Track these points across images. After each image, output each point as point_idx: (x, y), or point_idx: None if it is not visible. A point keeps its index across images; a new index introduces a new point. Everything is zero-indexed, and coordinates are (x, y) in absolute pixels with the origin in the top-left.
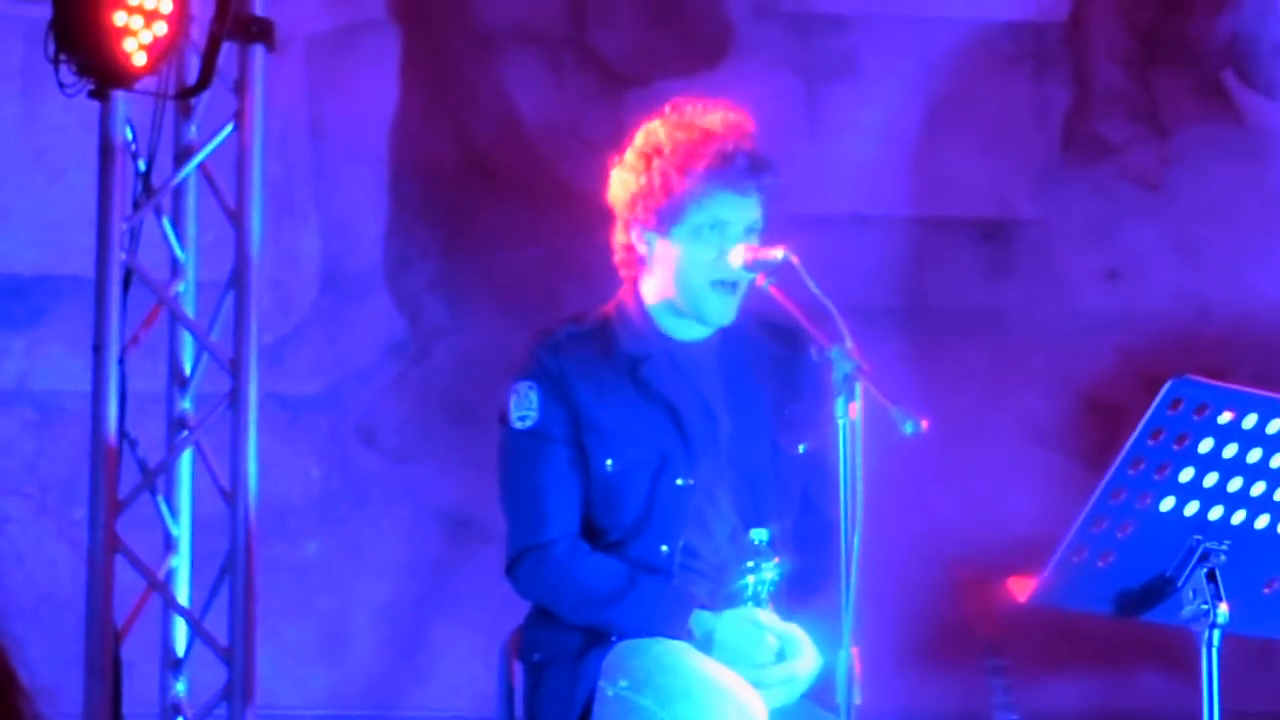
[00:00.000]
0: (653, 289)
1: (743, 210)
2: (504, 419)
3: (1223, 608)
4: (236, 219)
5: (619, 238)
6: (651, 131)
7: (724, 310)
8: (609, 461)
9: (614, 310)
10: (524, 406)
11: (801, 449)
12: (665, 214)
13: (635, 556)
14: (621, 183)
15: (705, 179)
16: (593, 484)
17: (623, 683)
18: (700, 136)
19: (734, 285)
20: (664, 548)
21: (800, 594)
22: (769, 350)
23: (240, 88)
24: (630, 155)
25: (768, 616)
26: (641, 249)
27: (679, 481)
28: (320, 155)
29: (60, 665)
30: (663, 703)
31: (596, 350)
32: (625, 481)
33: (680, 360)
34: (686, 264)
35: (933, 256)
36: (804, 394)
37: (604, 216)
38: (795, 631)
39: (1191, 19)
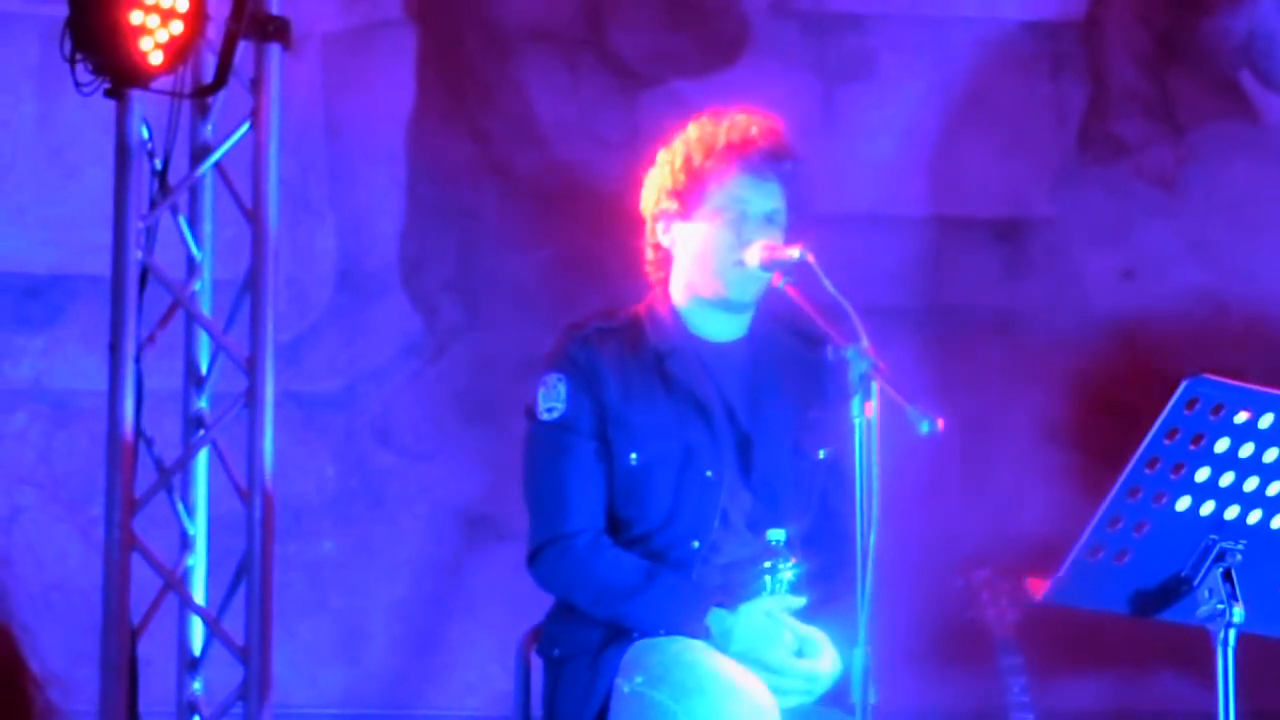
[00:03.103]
0: (680, 287)
1: (761, 195)
2: (530, 411)
3: (1238, 607)
4: (253, 218)
5: (648, 239)
6: (681, 131)
7: (745, 289)
8: (633, 455)
9: (644, 310)
10: (552, 398)
11: (822, 454)
12: (687, 196)
13: (663, 549)
14: (649, 182)
15: (724, 157)
16: (616, 478)
17: (639, 679)
18: (724, 125)
19: (754, 272)
20: (695, 543)
21: (816, 597)
22: (795, 354)
23: (256, 86)
24: (660, 154)
25: (787, 616)
26: (666, 241)
27: (708, 473)
28: (336, 154)
29: (74, 658)
30: (677, 698)
31: (625, 345)
32: (650, 475)
33: (708, 359)
34: (708, 245)
35: (949, 256)
36: (828, 399)
37: (620, 216)
38: (815, 634)
39: (1208, 18)
